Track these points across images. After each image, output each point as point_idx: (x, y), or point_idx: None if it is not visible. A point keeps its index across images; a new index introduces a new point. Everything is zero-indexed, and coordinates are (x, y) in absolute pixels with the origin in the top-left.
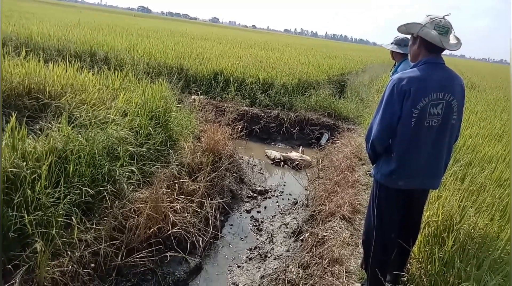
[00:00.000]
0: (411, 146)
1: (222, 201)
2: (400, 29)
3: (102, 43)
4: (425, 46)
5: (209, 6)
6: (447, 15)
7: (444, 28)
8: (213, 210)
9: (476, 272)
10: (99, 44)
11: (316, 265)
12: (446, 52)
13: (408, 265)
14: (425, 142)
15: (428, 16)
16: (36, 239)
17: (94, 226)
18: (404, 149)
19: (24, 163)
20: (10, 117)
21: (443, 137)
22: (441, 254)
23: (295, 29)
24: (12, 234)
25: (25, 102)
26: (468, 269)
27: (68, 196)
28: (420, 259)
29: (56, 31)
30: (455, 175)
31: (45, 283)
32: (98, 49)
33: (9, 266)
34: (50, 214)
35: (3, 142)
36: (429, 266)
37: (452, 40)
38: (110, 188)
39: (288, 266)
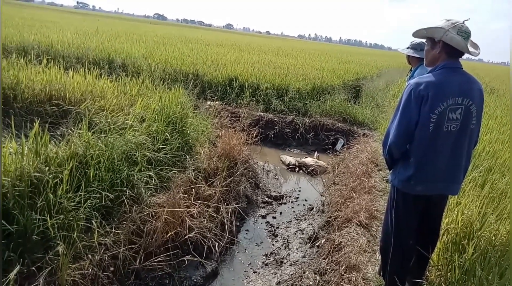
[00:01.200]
0: (429, 151)
1: (238, 206)
2: (420, 33)
3: (120, 51)
4: (446, 51)
5: (223, 13)
6: (467, 20)
7: (466, 33)
8: (229, 215)
9: (499, 281)
10: (117, 52)
11: (333, 271)
12: (463, 56)
13: (427, 272)
14: (443, 147)
15: (448, 20)
16: (58, 242)
17: (113, 230)
18: (422, 154)
19: (47, 168)
20: (34, 123)
21: (462, 142)
22: (461, 262)
23: (309, 34)
24: (35, 236)
25: (47, 108)
26: (490, 277)
27: (89, 200)
28: (440, 267)
29: (76, 39)
30: (474, 181)
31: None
32: (116, 56)
33: (33, 268)
34: (71, 218)
35: (26, 147)
36: (449, 273)
37: (471, 46)
38: (128, 192)
39: (304, 272)
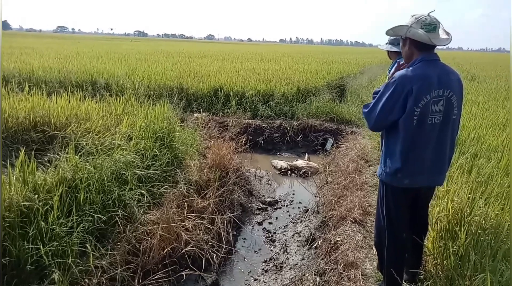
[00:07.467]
0: (415, 144)
1: (233, 215)
2: (389, 33)
3: (102, 71)
4: (415, 46)
5: (204, 25)
6: (432, 11)
7: (431, 25)
8: (225, 225)
9: (491, 263)
10: (99, 72)
11: (332, 271)
12: (443, 46)
13: (424, 262)
14: (429, 139)
15: (413, 16)
16: (53, 269)
17: (109, 252)
18: (408, 147)
19: (36, 196)
20: (19, 152)
21: (445, 133)
22: (455, 248)
23: (290, 38)
24: (29, 266)
25: (32, 135)
26: (483, 260)
27: (81, 224)
28: (435, 255)
29: (57, 63)
30: (461, 168)
31: None
32: (99, 77)
33: None
34: (65, 244)
35: (14, 176)
36: (444, 261)
37: (442, 35)
38: (121, 212)
39: (304, 275)
